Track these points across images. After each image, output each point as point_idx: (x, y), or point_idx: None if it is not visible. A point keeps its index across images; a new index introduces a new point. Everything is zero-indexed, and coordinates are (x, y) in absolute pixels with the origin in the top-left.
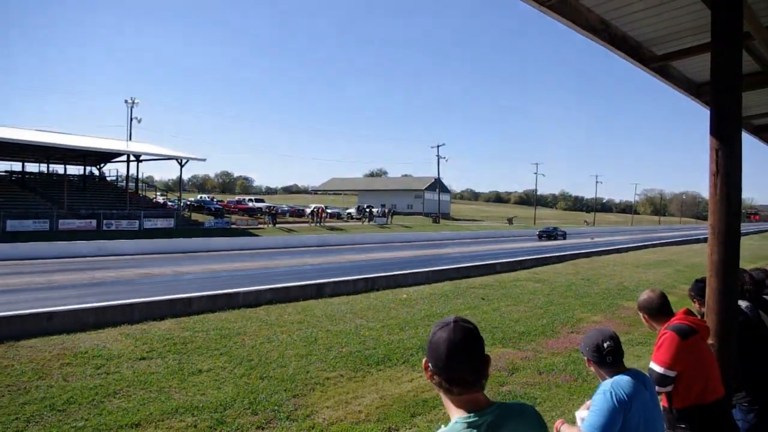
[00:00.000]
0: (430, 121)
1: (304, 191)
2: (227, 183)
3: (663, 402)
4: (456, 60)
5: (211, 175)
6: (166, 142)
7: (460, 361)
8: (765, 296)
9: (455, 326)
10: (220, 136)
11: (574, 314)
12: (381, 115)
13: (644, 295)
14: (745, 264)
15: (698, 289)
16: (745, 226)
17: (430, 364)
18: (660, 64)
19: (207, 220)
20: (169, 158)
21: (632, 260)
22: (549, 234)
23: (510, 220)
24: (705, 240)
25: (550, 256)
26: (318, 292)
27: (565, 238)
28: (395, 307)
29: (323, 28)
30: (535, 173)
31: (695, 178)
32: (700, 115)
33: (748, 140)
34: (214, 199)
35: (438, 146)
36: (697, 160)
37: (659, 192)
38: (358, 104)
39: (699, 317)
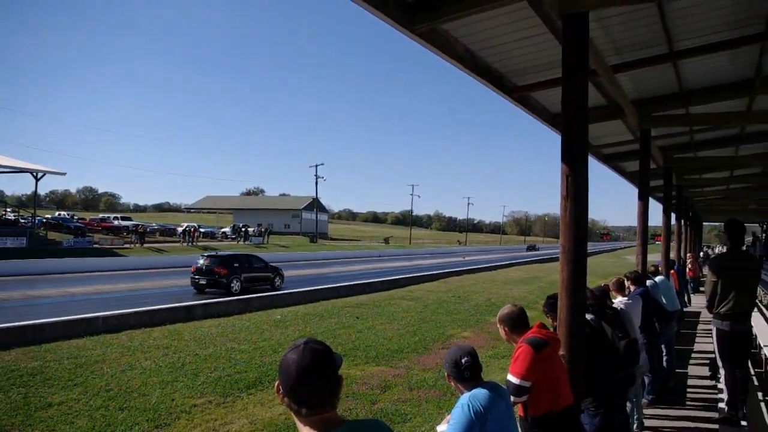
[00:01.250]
0: (309, 141)
1: (177, 209)
2: (91, 200)
3: (519, 411)
4: (335, 82)
5: (73, 190)
6: (20, 153)
7: (310, 382)
8: (607, 310)
9: (305, 348)
10: (84, 150)
11: (446, 330)
12: (259, 134)
13: (505, 309)
14: (598, 279)
15: (550, 305)
16: (598, 245)
17: (281, 387)
18: (521, 95)
19: (66, 239)
20: (22, 171)
21: (500, 278)
22: (531, 247)
23: (386, 240)
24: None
25: (424, 275)
26: (187, 314)
27: (537, 249)
28: (269, 329)
29: (199, 43)
30: (411, 194)
31: (556, 201)
32: (558, 142)
33: (600, 167)
34: (75, 217)
35: (316, 166)
36: (557, 185)
37: (525, 213)
38: (236, 122)
39: (552, 330)
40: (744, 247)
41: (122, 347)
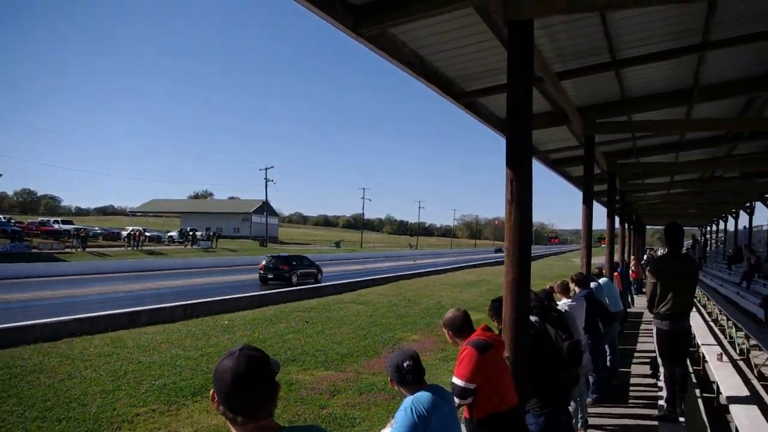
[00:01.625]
0: (259, 144)
1: (122, 213)
2: (29, 202)
3: (464, 413)
4: (285, 83)
5: (10, 193)
6: None
7: (245, 390)
8: (552, 312)
9: (240, 355)
10: (22, 151)
11: (395, 334)
12: (208, 136)
13: (449, 313)
14: (545, 281)
15: (495, 308)
16: (547, 248)
17: (216, 395)
18: (469, 100)
19: (2, 243)
20: None
21: (450, 281)
22: (498, 250)
23: (338, 244)
24: None
25: (375, 278)
26: (131, 321)
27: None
28: (216, 335)
29: (142, 42)
30: (363, 198)
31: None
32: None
33: (547, 172)
34: (12, 220)
35: (266, 169)
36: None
37: (475, 217)
38: (183, 124)
39: (498, 333)
40: (684, 250)
41: (61, 356)
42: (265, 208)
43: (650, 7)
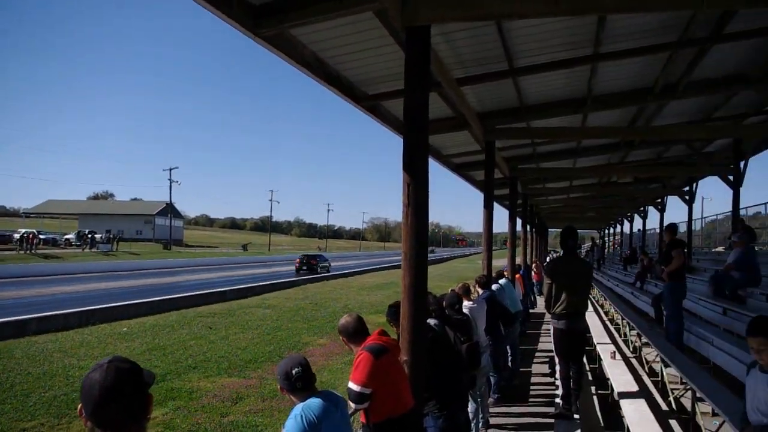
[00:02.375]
0: (163, 144)
1: (14, 214)
2: None
3: (362, 418)
4: (189, 83)
5: None
6: None
7: (114, 403)
8: (454, 315)
9: (109, 367)
10: None
11: (301, 338)
12: (109, 134)
13: (342, 320)
14: (452, 283)
15: (392, 314)
16: (453, 251)
17: (83, 410)
18: (372, 103)
19: None
20: None
21: (358, 284)
22: (431, 251)
23: (245, 247)
24: None
25: (281, 282)
26: (19, 330)
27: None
28: (113, 342)
29: (40, 36)
30: (271, 200)
31: None
32: None
33: (451, 176)
34: None
35: (170, 169)
36: None
37: (384, 220)
38: (82, 122)
39: (395, 338)
40: (584, 252)
41: None
42: (169, 209)
43: (542, 18)
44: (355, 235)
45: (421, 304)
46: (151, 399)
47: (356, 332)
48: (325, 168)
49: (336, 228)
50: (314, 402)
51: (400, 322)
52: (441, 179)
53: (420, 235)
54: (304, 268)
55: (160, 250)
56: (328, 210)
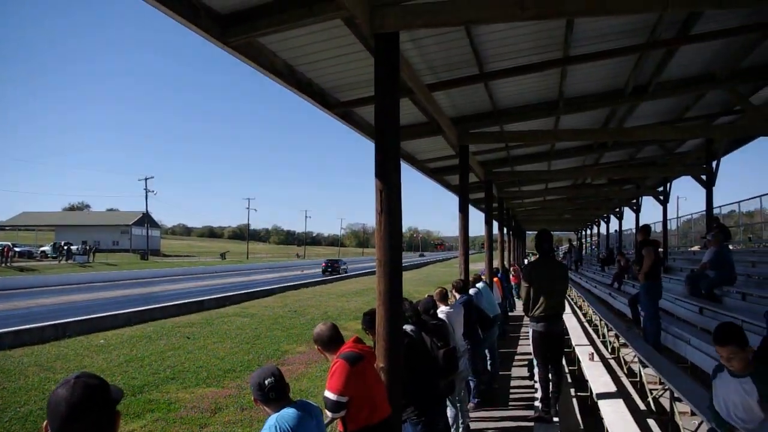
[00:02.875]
0: (138, 154)
1: None
2: None
3: (339, 426)
4: (166, 91)
5: None
6: None
7: (80, 420)
8: (430, 321)
9: (76, 383)
10: None
11: (281, 347)
12: (83, 147)
13: (316, 328)
14: (431, 288)
15: (367, 321)
16: (433, 255)
17: (49, 427)
18: (344, 110)
19: None
20: None
21: (337, 290)
22: (421, 254)
23: (223, 255)
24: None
25: (260, 290)
26: None
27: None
28: (90, 355)
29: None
30: (248, 208)
31: None
32: None
33: (427, 182)
34: None
35: (146, 179)
36: None
37: (362, 226)
38: (55, 133)
39: (371, 345)
40: (562, 254)
41: None
42: (146, 219)
43: (510, 23)
44: (334, 241)
45: (397, 310)
46: (119, 416)
47: (331, 340)
48: (302, 174)
49: (314, 235)
50: (288, 412)
51: (375, 329)
52: (417, 184)
53: (394, 241)
54: (329, 269)
55: (137, 260)
56: (306, 217)
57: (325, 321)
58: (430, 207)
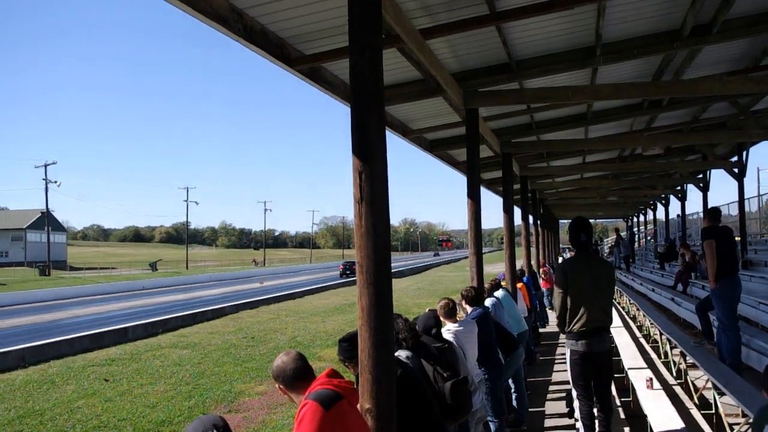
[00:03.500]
0: (37, 137)
1: None
2: None
3: None
4: (65, 57)
5: None
6: None
7: None
8: (432, 343)
9: None
10: None
11: (233, 386)
12: None
13: (277, 360)
14: (436, 299)
15: (345, 349)
16: (439, 256)
17: None
18: (310, 66)
19: None
20: None
21: (309, 307)
22: (436, 254)
23: (154, 266)
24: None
25: (204, 311)
26: None
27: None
28: None
29: None
30: (187, 201)
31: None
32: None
33: (426, 158)
34: None
35: (46, 166)
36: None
37: (342, 219)
38: None
39: (352, 380)
40: (607, 249)
41: None
42: (47, 220)
43: None
44: (304, 241)
45: (386, 330)
46: None
47: (297, 376)
48: (259, 158)
49: (277, 234)
50: None
51: (357, 360)
52: (412, 164)
53: (379, 238)
54: (348, 272)
55: (35, 276)
56: (266, 210)
57: (288, 350)
58: (430, 194)
